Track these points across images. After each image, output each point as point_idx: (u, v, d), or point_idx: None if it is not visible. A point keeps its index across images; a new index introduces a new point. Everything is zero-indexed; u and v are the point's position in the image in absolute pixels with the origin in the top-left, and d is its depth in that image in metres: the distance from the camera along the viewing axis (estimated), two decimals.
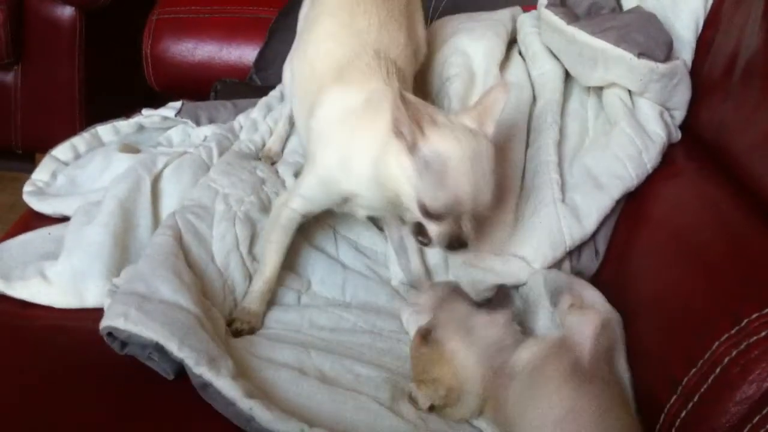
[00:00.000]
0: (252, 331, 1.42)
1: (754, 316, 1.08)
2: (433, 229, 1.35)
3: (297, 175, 1.72)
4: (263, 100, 1.96)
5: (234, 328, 1.40)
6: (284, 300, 1.52)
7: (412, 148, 1.31)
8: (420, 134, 1.31)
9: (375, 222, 1.68)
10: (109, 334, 1.25)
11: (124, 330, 1.23)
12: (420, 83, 1.84)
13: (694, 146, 1.60)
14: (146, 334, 1.22)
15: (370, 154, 1.38)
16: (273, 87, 2.03)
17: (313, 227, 1.64)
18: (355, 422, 1.22)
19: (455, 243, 1.35)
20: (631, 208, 1.58)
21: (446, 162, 1.31)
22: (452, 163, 1.31)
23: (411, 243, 1.59)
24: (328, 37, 1.61)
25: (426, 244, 1.39)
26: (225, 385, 1.17)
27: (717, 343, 1.09)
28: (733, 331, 1.09)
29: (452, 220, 1.34)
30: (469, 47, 1.81)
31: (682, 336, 1.19)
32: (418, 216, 1.35)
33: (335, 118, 1.47)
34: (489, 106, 1.40)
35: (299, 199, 1.51)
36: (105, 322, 1.24)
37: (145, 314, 1.24)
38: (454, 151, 1.31)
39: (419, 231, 1.37)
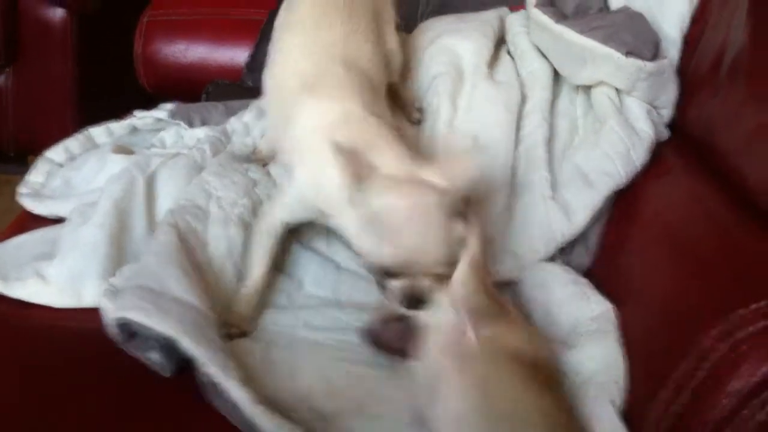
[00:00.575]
0: (243, 334, 1.42)
1: (742, 311, 1.09)
2: (388, 284, 1.30)
3: None
4: (255, 104, 1.97)
5: (225, 331, 1.39)
6: (278, 302, 1.53)
7: (354, 199, 1.28)
8: (360, 185, 1.27)
9: None
10: (120, 326, 1.25)
11: (138, 322, 1.23)
12: (407, 83, 1.86)
13: (682, 143, 1.61)
14: (160, 329, 1.22)
15: (327, 176, 1.34)
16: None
17: (305, 227, 1.65)
18: (358, 428, 1.23)
19: (413, 301, 1.28)
20: (622, 205, 1.59)
21: (386, 217, 1.26)
22: (392, 219, 1.26)
23: None
24: (294, 48, 1.62)
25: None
26: (233, 387, 1.18)
27: (706, 337, 1.10)
28: (722, 326, 1.10)
29: (407, 276, 1.28)
30: (457, 46, 1.83)
31: (672, 330, 1.20)
32: (372, 269, 1.33)
33: (313, 130, 1.45)
34: (457, 169, 1.32)
35: (280, 207, 1.53)
36: (119, 313, 1.25)
37: (159, 309, 1.25)
38: (395, 206, 1.27)
39: (382, 287, 1.33)
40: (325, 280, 1.58)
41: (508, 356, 1.18)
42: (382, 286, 1.32)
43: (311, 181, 1.44)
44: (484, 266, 1.30)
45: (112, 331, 1.27)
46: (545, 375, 1.19)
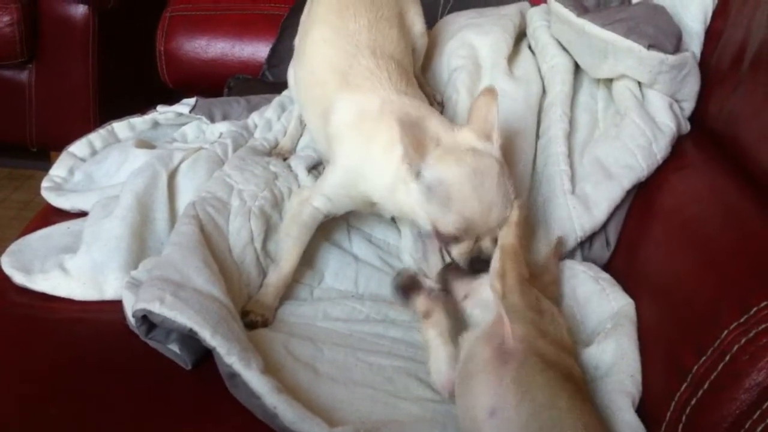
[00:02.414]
0: (265, 323, 1.44)
1: (762, 304, 1.09)
2: (452, 249, 1.36)
3: (310, 168, 1.75)
4: (277, 100, 1.98)
5: (248, 320, 1.41)
6: (299, 294, 1.54)
7: (416, 173, 1.33)
8: (421, 159, 1.32)
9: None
10: (142, 317, 1.26)
11: (158, 314, 1.24)
12: (428, 76, 1.86)
13: (703, 137, 1.61)
14: (181, 320, 1.23)
15: (385, 168, 1.40)
16: (286, 83, 2.05)
17: (326, 221, 1.66)
18: (373, 415, 1.23)
19: (476, 263, 1.36)
20: (642, 199, 1.59)
21: (449, 187, 1.32)
22: (455, 188, 1.32)
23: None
24: (322, 42, 1.63)
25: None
26: (254, 378, 1.19)
27: (726, 332, 1.10)
28: (741, 320, 1.09)
29: (471, 239, 1.34)
30: (476, 40, 1.83)
31: (692, 325, 1.20)
32: (437, 237, 1.38)
33: (351, 122, 1.50)
34: (485, 116, 1.40)
35: (322, 198, 1.53)
36: (140, 305, 1.26)
37: (180, 300, 1.26)
38: (456, 175, 1.33)
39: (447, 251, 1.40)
40: (345, 273, 1.59)
41: (542, 361, 1.17)
42: (447, 252, 1.39)
43: (355, 169, 1.47)
44: (520, 248, 1.34)
45: (133, 323, 1.29)
46: (575, 383, 1.18)
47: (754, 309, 1.09)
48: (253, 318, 1.42)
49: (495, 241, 1.34)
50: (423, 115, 1.43)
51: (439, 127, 1.40)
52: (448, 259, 1.47)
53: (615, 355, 1.29)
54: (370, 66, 1.53)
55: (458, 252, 1.36)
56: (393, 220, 1.66)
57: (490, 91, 1.42)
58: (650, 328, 1.33)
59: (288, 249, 1.52)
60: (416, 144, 1.32)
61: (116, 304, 1.37)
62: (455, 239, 1.35)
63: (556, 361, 1.18)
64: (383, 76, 1.52)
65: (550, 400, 1.12)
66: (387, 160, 1.39)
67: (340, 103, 1.52)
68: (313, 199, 1.53)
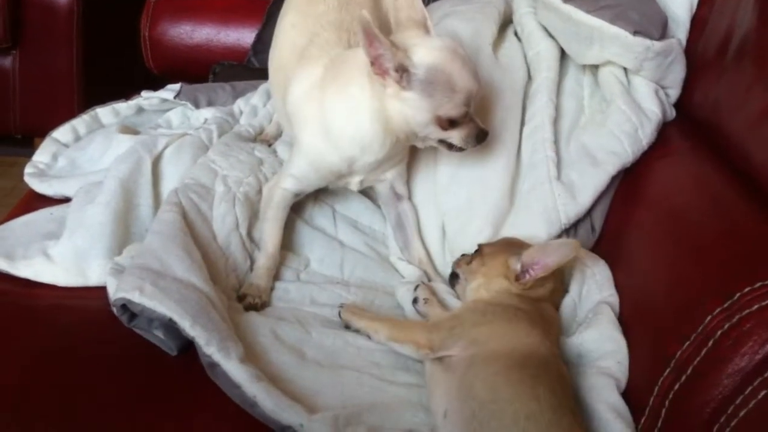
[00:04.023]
0: (264, 305, 1.45)
1: (746, 290, 1.09)
2: (455, 135, 1.45)
3: None
4: (263, 86, 1.97)
5: (246, 303, 1.43)
6: (285, 278, 1.54)
7: (405, 78, 1.40)
8: (408, 60, 1.39)
9: (372, 200, 1.70)
10: (122, 306, 1.26)
11: (138, 303, 1.24)
12: None
13: (688, 126, 1.61)
14: (160, 310, 1.23)
15: (358, 107, 1.45)
16: None
17: (311, 207, 1.66)
18: (357, 398, 1.24)
19: (482, 135, 1.48)
20: (627, 186, 1.59)
21: (445, 69, 1.41)
22: (450, 67, 1.41)
23: (409, 221, 1.61)
24: (290, 27, 1.66)
25: (460, 149, 1.49)
26: (233, 368, 1.19)
27: (709, 317, 1.11)
28: (725, 305, 1.10)
29: (467, 119, 1.45)
30: (458, 27, 1.82)
31: (676, 311, 1.21)
32: (438, 134, 1.45)
33: (303, 94, 1.53)
34: (412, 16, 1.51)
35: (290, 179, 1.56)
36: (119, 294, 1.26)
37: (159, 290, 1.26)
38: (446, 58, 1.42)
39: (448, 145, 1.48)
40: (331, 259, 1.59)
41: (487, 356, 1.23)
42: (449, 147, 1.49)
43: (321, 136, 1.50)
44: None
45: (116, 311, 1.28)
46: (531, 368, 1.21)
47: (737, 294, 1.10)
48: (251, 301, 1.44)
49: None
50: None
51: (387, 38, 1.43)
52: (432, 236, 1.58)
53: (602, 343, 1.30)
54: (330, 39, 1.58)
55: (461, 136, 1.46)
56: (363, 193, 1.68)
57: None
58: (634, 315, 1.33)
59: (267, 230, 1.55)
60: (377, 58, 1.39)
61: (100, 290, 1.36)
62: (455, 124, 1.44)
63: (507, 351, 1.22)
64: (341, 45, 1.56)
65: (491, 394, 1.16)
66: (354, 98, 1.46)
67: (292, 79, 1.56)
68: (281, 182, 1.57)
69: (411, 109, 1.42)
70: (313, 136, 1.52)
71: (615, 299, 1.39)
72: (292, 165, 1.57)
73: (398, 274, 1.59)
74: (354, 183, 1.58)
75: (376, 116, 1.44)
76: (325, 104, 1.48)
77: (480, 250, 1.44)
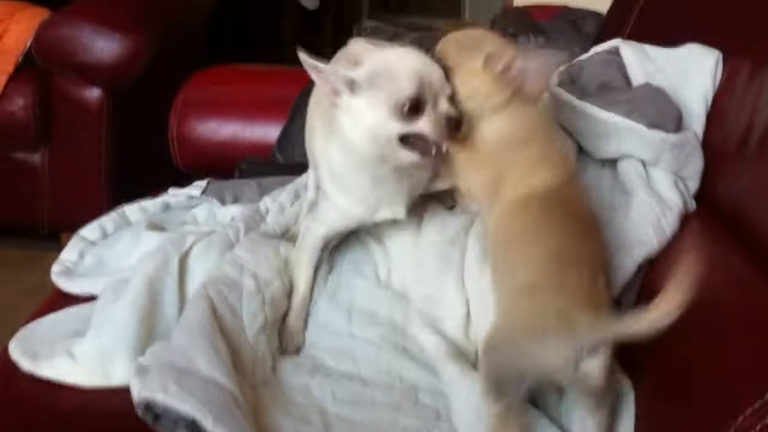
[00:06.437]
0: (298, 349, 1.53)
1: None
2: (422, 126, 1.39)
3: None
4: (291, 186, 1.98)
5: (282, 347, 1.52)
6: (303, 374, 1.51)
7: (350, 87, 1.39)
8: (354, 68, 1.40)
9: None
10: (146, 407, 1.26)
11: (161, 403, 1.24)
12: None
13: (711, 217, 1.60)
14: (183, 409, 1.23)
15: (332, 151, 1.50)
16: (296, 165, 2.06)
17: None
18: None
19: (451, 123, 1.39)
20: (652, 277, 1.57)
21: (389, 62, 1.40)
22: (392, 60, 1.41)
23: None
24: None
25: (428, 153, 1.40)
26: None
27: (741, 417, 1.08)
28: (757, 405, 1.07)
29: (430, 108, 1.38)
30: None
31: (707, 410, 1.18)
32: (402, 128, 1.39)
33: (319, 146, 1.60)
34: None
35: (321, 225, 1.62)
36: (143, 394, 1.26)
37: (183, 388, 1.26)
38: (386, 55, 1.44)
39: (413, 144, 1.40)
40: (344, 354, 1.55)
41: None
42: (414, 146, 1.41)
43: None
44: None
45: (140, 411, 1.27)
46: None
47: None
48: (285, 345, 1.52)
49: (449, 99, 1.40)
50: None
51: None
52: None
53: None
54: None
55: (428, 125, 1.38)
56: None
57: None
58: (662, 411, 1.31)
59: (301, 272, 1.62)
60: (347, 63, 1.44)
61: (124, 393, 1.35)
62: (417, 110, 1.37)
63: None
64: None
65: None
66: (331, 138, 1.49)
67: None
68: (313, 226, 1.63)
69: (363, 112, 1.39)
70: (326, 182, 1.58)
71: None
72: (321, 210, 1.62)
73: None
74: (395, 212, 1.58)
75: (340, 144, 1.47)
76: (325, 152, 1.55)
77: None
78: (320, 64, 1.39)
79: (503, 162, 1.41)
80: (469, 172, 1.48)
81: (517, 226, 1.38)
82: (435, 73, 1.40)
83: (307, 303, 1.61)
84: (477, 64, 1.41)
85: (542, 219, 1.37)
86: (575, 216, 1.39)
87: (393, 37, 2.61)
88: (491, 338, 1.31)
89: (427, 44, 1.51)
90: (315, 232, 1.61)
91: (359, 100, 1.40)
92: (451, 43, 1.48)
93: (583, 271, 1.32)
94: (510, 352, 1.28)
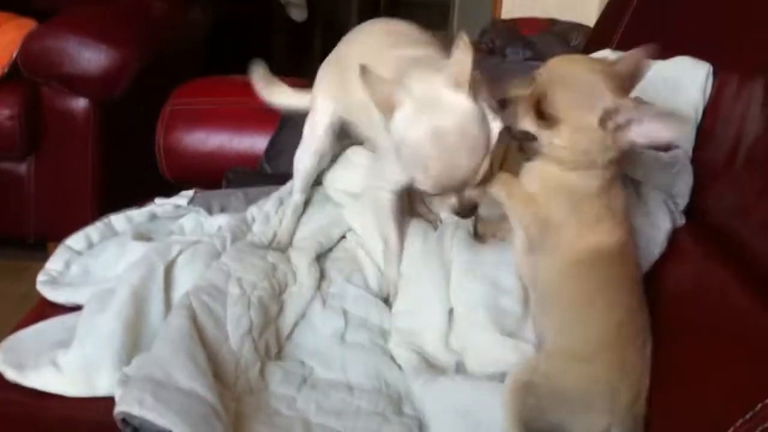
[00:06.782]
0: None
1: (767, 401, 1.07)
2: (437, 200, 1.43)
3: (310, 262, 1.74)
4: (276, 195, 1.98)
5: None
6: (291, 386, 1.50)
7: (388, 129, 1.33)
8: (390, 113, 1.30)
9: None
10: (123, 419, 1.25)
11: (138, 416, 1.23)
12: None
13: (701, 231, 1.61)
14: (160, 422, 1.22)
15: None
16: (283, 175, 2.06)
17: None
18: None
19: (465, 212, 1.36)
20: None
21: (410, 148, 1.30)
22: (416, 149, 1.29)
23: None
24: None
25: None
26: None
27: (732, 429, 1.08)
28: (747, 416, 1.08)
29: (453, 192, 1.33)
30: None
31: (698, 421, 1.18)
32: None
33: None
34: (460, 65, 1.30)
35: (386, 189, 1.62)
36: (120, 407, 1.25)
37: (160, 402, 1.25)
38: (416, 136, 1.28)
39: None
40: (333, 360, 1.55)
41: None
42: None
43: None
44: None
45: (119, 423, 1.27)
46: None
47: (759, 405, 1.07)
48: (385, 296, 1.65)
49: (481, 187, 1.34)
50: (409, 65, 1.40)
51: (418, 75, 1.35)
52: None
53: None
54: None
55: (440, 204, 1.41)
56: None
57: (464, 42, 1.31)
58: (651, 426, 1.31)
59: (388, 233, 1.65)
60: (384, 100, 1.30)
61: (107, 402, 1.34)
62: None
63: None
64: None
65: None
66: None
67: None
68: (380, 196, 1.63)
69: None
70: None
71: None
72: (381, 174, 1.61)
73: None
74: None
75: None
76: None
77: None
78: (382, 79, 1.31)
79: (574, 210, 1.35)
80: (531, 207, 1.36)
81: (585, 284, 1.35)
82: (461, 168, 1.29)
83: (400, 254, 1.64)
84: (593, 121, 1.28)
85: (610, 285, 1.36)
86: (636, 282, 1.39)
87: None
88: (531, 381, 1.30)
89: (501, 91, 1.37)
90: (382, 199, 1.62)
91: (389, 139, 1.34)
92: (559, 88, 1.30)
93: (639, 347, 1.34)
94: (552, 405, 1.28)
